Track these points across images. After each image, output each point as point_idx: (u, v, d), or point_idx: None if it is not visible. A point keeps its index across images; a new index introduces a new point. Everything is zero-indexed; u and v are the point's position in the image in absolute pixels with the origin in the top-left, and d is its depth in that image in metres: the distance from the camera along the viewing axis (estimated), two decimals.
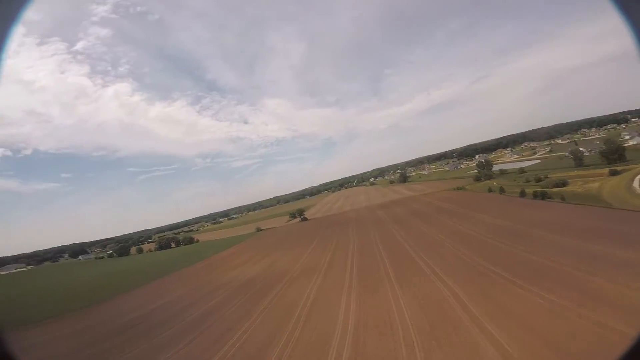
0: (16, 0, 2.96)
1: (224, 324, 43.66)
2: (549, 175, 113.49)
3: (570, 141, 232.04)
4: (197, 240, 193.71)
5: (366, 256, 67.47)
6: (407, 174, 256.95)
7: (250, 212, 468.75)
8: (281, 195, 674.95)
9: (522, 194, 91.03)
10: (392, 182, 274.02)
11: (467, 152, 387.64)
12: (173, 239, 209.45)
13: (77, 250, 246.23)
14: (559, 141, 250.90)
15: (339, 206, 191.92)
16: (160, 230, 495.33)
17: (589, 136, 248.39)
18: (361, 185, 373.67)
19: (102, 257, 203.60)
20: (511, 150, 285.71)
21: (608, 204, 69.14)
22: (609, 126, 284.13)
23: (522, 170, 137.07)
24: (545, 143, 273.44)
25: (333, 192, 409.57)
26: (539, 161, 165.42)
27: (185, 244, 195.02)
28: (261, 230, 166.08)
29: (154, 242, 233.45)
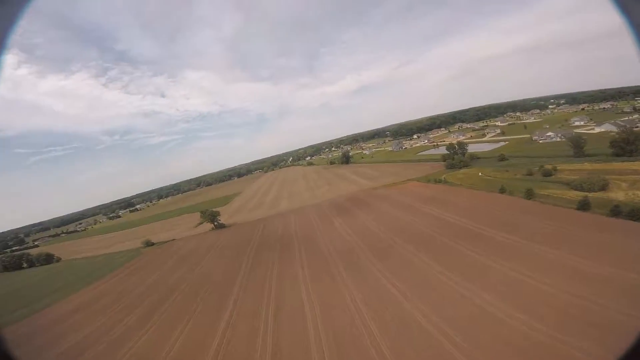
0: (16, 0, 2.86)
1: None
2: (557, 167, 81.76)
3: (510, 124, 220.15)
4: (59, 259, 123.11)
5: None
6: (349, 154, 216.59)
7: (161, 200, 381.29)
8: (206, 175, 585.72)
9: (584, 207, 53.92)
10: (332, 162, 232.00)
11: (401, 132, 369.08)
12: (23, 257, 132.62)
13: None
14: (498, 122, 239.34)
15: (273, 199, 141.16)
16: (52, 223, 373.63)
17: (521, 118, 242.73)
18: (297, 165, 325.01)
19: None
20: (449, 131, 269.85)
21: None
22: (535, 110, 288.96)
23: (502, 157, 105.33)
24: (482, 124, 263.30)
25: (265, 172, 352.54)
26: (505, 143, 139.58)
27: (42, 264, 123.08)
28: (149, 245, 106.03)
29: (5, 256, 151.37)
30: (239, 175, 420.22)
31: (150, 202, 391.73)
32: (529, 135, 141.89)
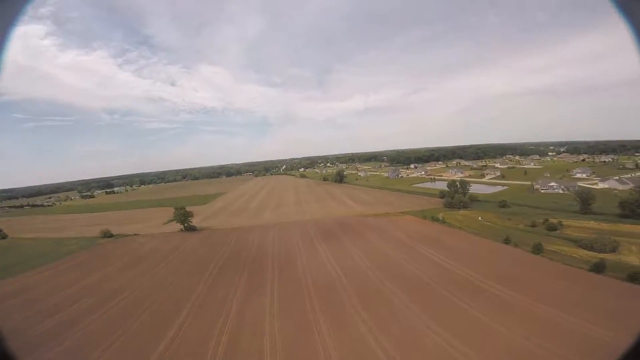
0: (16, 0, 2.86)
1: None
2: (563, 222, 75.51)
3: (510, 167, 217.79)
4: (4, 236, 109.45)
5: None
6: (343, 173, 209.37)
7: (143, 187, 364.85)
8: (196, 168, 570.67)
9: (598, 268, 46.82)
10: (325, 178, 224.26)
11: (398, 159, 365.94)
12: None
13: None
14: (497, 164, 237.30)
15: (257, 207, 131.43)
16: (23, 192, 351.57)
17: (520, 163, 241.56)
18: (289, 175, 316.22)
19: None
20: (447, 166, 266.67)
21: None
22: (535, 155, 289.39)
23: (503, 203, 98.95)
24: (481, 164, 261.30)
25: (256, 176, 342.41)
26: (504, 188, 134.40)
27: None
28: (107, 237, 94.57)
29: None
30: (229, 174, 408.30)
31: (131, 186, 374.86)
32: (530, 183, 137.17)
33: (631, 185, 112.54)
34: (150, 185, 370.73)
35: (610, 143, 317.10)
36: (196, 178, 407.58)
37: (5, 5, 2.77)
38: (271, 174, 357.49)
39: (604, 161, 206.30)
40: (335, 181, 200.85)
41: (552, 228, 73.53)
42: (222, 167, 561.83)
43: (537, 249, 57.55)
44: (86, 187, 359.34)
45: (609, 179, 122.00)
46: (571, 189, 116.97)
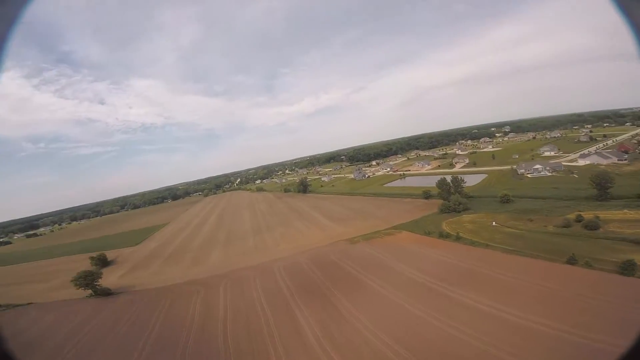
0: (16, 0, 2.86)
1: None
2: (599, 216, 59.25)
3: (472, 152, 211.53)
4: None
5: None
6: (307, 182, 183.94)
7: (74, 223, 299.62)
8: (137, 194, 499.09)
9: None
10: (286, 189, 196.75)
11: (357, 156, 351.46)
12: None
13: None
14: (458, 151, 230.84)
15: (203, 243, 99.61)
16: None
17: (478, 147, 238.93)
18: (245, 190, 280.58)
19: None
20: (408, 158, 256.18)
21: None
22: (485, 138, 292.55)
23: (506, 198, 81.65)
24: (440, 152, 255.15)
25: (205, 196, 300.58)
26: (485, 176, 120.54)
27: None
28: None
29: None
30: (175, 197, 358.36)
31: (60, 224, 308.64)
32: (509, 167, 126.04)
33: (614, 159, 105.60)
34: (83, 221, 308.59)
35: (548, 119, 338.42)
36: (137, 207, 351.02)
37: (5, 6, 2.71)
38: (224, 191, 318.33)
39: (555, 137, 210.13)
40: (299, 191, 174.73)
41: (591, 226, 56.47)
42: (168, 188, 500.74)
43: (627, 268, 38.32)
44: (2, 231, 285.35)
45: (591, 154, 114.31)
46: (558, 170, 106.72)
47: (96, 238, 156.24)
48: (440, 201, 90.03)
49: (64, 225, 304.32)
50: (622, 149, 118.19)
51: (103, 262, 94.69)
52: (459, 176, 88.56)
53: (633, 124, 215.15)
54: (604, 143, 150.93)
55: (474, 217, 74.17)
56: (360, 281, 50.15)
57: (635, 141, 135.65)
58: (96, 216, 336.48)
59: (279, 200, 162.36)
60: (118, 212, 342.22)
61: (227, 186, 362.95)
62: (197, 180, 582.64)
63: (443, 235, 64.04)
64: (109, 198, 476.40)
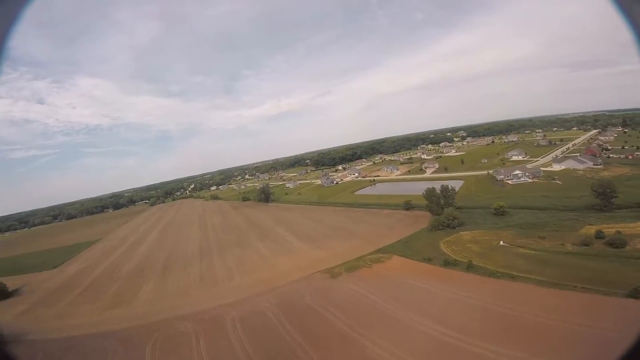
0: (16, 0, 2.84)
1: None
2: (621, 232, 50.08)
3: (437, 157, 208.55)
4: None
5: None
6: (269, 190, 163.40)
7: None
8: (77, 202, 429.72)
9: None
10: (245, 198, 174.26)
11: (322, 160, 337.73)
12: None
13: None
14: (423, 155, 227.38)
15: (136, 267, 74.86)
16: None
17: (440, 151, 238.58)
18: (198, 198, 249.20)
19: None
20: (374, 162, 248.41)
21: None
22: (445, 142, 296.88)
23: (501, 210, 71.20)
24: (405, 156, 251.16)
25: (152, 205, 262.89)
26: (462, 182, 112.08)
27: None
28: None
29: None
30: (117, 206, 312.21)
31: None
32: (484, 173, 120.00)
33: (590, 164, 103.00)
34: (7, 234, 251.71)
35: (499, 124, 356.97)
36: (72, 217, 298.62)
37: (5, 5, 2.68)
38: (173, 199, 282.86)
39: (513, 141, 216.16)
40: (260, 200, 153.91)
41: (617, 244, 46.73)
42: (114, 195, 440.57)
43: None
44: None
45: (567, 159, 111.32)
46: (538, 176, 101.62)
47: (8, 257, 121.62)
48: (426, 213, 78.36)
49: None
50: (590, 153, 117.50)
51: (2, 292, 68.57)
52: (449, 186, 76.79)
53: (579, 128, 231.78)
54: (567, 147, 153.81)
55: (475, 234, 61.96)
56: (355, 344, 33.42)
57: (596, 145, 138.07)
58: (24, 227, 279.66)
59: (235, 212, 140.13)
60: (50, 222, 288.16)
61: (178, 193, 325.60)
62: (148, 186, 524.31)
63: (449, 263, 50.03)
64: (44, 206, 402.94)
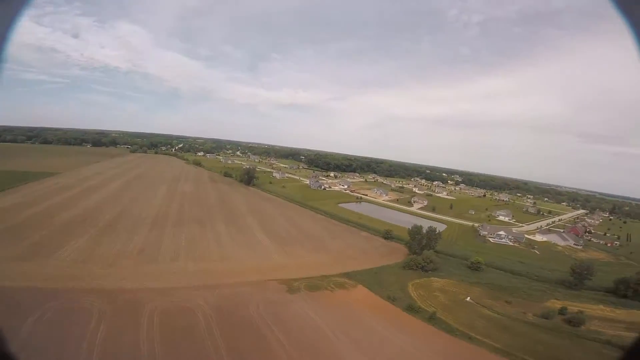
0: (16, 0, 2.82)
1: None
2: (583, 311, 46.43)
3: (428, 194, 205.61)
4: None
5: None
6: (254, 173, 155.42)
7: None
8: (60, 129, 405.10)
9: None
10: (226, 173, 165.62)
11: (317, 161, 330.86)
12: None
13: None
14: (415, 189, 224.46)
15: (72, 219, 65.52)
16: None
17: (431, 188, 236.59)
18: (180, 158, 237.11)
19: None
20: (366, 180, 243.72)
21: None
22: (439, 182, 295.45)
23: (476, 265, 67.09)
24: (397, 184, 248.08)
25: (133, 151, 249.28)
26: (445, 226, 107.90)
27: None
28: None
29: None
30: (97, 143, 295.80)
31: None
32: (469, 224, 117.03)
33: (571, 242, 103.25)
34: None
35: (495, 179, 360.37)
36: (47, 142, 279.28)
37: (5, 5, 2.68)
38: (156, 152, 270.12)
39: (504, 200, 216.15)
40: (242, 181, 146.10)
41: (575, 322, 46.48)
42: (100, 132, 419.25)
43: None
44: None
45: (550, 233, 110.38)
46: (520, 241, 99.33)
47: None
48: (404, 247, 73.72)
49: None
50: (574, 232, 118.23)
51: None
52: (437, 229, 71.87)
53: (569, 204, 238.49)
54: (552, 220, 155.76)
55: (445, 283, 57.33)
56: None
57: (581, 226, 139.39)
58: None
59: (211, 185, 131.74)
60: (22, 142, 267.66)
61: (164, 148, 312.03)
62: (136, 133, 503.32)
63: (413, 309, 45.04)
64: (23, 125, 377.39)
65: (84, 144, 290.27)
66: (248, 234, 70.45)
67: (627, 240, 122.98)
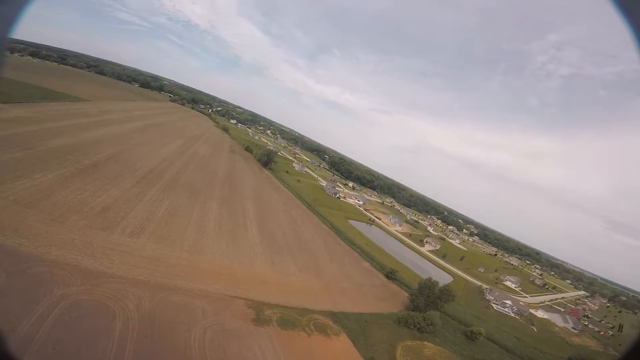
0: (16, 0, 2.77)
1: None
2: None
3: (441, 238, 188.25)
4: None
5: None
6: (274, 157, 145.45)
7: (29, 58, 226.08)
8: (121, 66, 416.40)
9: None
10: (247, 148, 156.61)
11: (340, 165, 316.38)
12: None
13: None
14: (430, 228, 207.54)
15: (70, 145, 58.32)
16: None
17: (445, 232, 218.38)
18: (213, 120, 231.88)
19: None
20: (383, 202, 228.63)
21: None
22: (453, 227, 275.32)
23: (473, 335, 52.93)
24: (414, 216, 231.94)
25: (172, 101, 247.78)
26: (451, 279, 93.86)
27: None
28: None
29: None
30: (144, 85, 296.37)
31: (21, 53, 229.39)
32: (478, 284, 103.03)
33: (570, 325, 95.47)
34: (36, 60, 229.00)
35: (510, 241, 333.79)
36: (102, 73, 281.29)
37: (5, 5, 2.62)
38: (193, 108, 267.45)
39: (513, 264, 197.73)
40: (259, 161, 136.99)
41: None
42: (155, 77, 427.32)
43: None
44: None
45: (554, 313, 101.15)
46: (522, 314, 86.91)
47: None
48: (403, 292, 61.51)
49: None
50: (574, 314, 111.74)
51: None
52: (451, 290, 58.25)
53: (572, 284, 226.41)
54: (555, 297, 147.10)
55: (437, 352, 44.69)
56: None
57: (581, 309, 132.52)
58: (57, 62, 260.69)
59: (227, 155, 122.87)
60: (80, 68, 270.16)
61: (202, 106, 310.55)
62: (185, 86, 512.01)
63: None
64: (92, 55, 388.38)
65: (133, 82, 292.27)
66: (239, 223, 59.95)
67: (619, 330, 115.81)
